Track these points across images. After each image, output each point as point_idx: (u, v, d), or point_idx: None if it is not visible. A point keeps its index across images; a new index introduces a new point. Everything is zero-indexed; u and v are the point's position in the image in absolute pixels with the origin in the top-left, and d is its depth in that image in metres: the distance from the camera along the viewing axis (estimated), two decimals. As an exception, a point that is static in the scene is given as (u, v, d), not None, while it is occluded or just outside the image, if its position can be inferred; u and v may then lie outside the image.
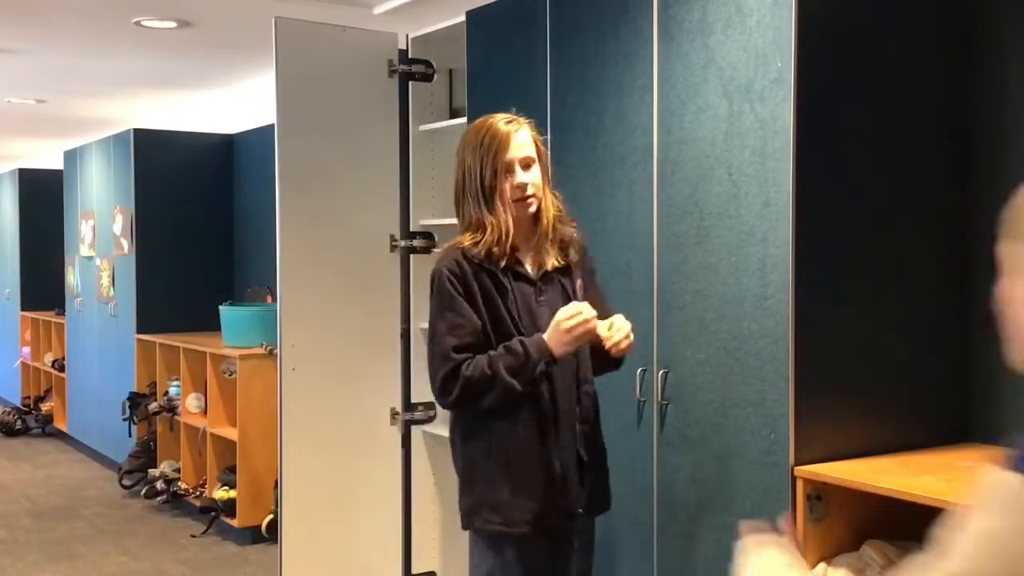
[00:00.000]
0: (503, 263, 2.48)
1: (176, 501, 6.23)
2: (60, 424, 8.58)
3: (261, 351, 5.59)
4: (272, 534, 5.27)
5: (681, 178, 2.86)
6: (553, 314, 2.42)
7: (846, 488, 2.47)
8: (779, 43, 2.57)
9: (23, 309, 9.37)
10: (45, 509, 6.36)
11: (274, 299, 5.09)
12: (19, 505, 6.47)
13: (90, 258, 7.58)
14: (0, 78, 6.15)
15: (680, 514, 2.88)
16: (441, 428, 3.89)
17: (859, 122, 2.68)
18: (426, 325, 2.71)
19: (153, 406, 6.48)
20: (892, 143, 2.74)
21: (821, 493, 2.52)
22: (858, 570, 2.45)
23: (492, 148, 2.46)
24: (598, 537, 2.71)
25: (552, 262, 2.54)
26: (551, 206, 2.54)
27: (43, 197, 8.99)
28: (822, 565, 2.50)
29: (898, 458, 2.64)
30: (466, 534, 2.62)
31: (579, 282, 2.57)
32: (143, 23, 4.74)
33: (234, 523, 5.60)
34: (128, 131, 6.83)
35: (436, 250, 4.18)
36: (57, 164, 8.54)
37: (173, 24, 4.77)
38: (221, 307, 5.95)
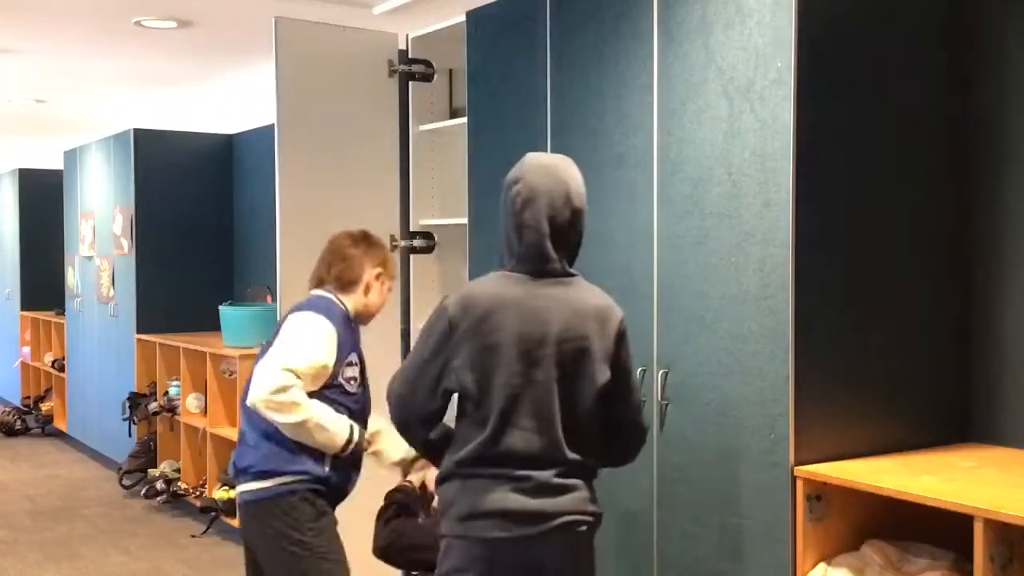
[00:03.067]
0: None
1: (176, 501, 6.23)
2: (60, 424, 8.58)
3: (261, 351, 5.59)
4: (272, 534, 5.26)
5: (681, 178, 2.87)
6: None
7: (846, 488, 2.47)
8: (779, 43, 2.57)
9: (23, 309, 9.36)
10: (45, 509, 6.36)
11: (274, 299, 5.08)
12: (19, 505, 6.47)
13: (90, 258, 7.57)
14: (0, 78, 6.15)
15: (680, 514, 2.88)
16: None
17: (859, 122, 2.68)
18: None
19: (153, 406, 6.48)
20: (892, 143, 2.74)
21: (821, 493, 2.52)
22: (858, 570, 2.45)
23: None
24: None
25: None
26: None
27: (43, 197, 8.99)
28: (822, 565, 2.50)
29: (898, 458, 2.64)
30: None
31: None
32: (143, 23, 4.75)
33: (234, 523, 5.59)
34: (128, 131, 6.82)
35: (436, 250, 4.19)
36: (57, 164, 8.53)
37: (173, 24, 4.77)
38: (221, 307, 5.95)
